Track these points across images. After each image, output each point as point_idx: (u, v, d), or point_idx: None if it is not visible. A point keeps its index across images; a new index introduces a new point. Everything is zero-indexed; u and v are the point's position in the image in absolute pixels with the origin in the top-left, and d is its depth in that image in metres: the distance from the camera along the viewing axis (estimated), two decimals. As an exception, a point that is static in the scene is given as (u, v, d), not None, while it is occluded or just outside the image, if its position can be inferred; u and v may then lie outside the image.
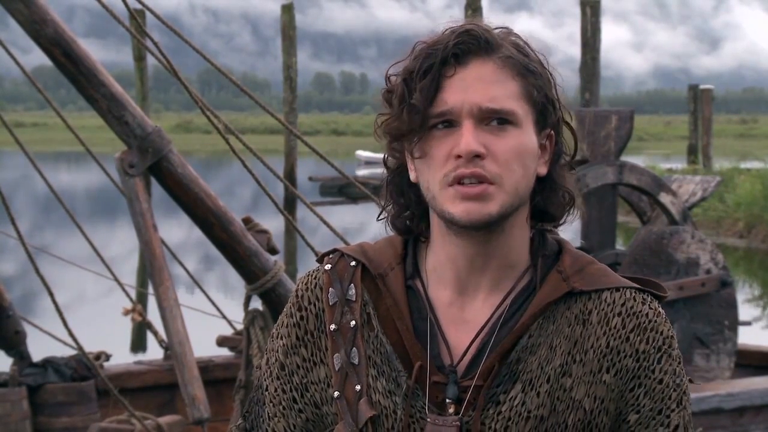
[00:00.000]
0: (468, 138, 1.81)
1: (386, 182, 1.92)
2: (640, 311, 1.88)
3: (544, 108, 1.86)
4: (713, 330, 7.85)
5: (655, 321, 1.89)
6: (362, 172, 37.92)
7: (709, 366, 7.81)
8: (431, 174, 1.85)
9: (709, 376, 7.75)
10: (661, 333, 1.89)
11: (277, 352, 1.95)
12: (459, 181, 1.82)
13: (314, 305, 1.94)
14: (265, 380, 1.97)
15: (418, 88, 1.83)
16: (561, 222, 1.92)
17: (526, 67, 1.85)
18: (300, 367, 1.93)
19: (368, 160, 50.14)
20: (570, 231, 1.95)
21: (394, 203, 1.92)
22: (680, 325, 7.69)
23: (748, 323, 8.53)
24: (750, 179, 24.65)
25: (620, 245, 9.82)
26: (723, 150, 45.90)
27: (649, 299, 1.91)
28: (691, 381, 1.94)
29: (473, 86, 1.82)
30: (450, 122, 1.83)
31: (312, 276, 1.96)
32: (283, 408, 1.94)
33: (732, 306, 7.92)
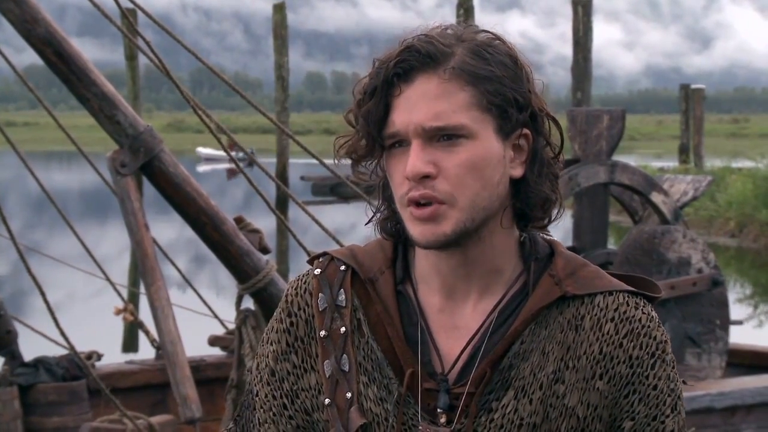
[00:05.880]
0: (413, 160, 1.77)
1: (379, 186, 1.88)
2: (633, 316, 1.86)
3: (504, 111, 1.79)
4: (705, 329, 7.85)
5: (648, 326, 1.86)
6: (202, 168, 37.76)
7: (701, 365, 7.81)
8: (395, 193, 1.83)
9: (700, 375, 7.76)
10: (655, 338, 1.86)
11: (268, 357, 1.92)
12: (413, 202, 1.79)
13: (304, 311, 1.90)
14: (255, 385, 1.94)
15: (363, 112, 1.81)
16: (547, 222, 1.87)
17: (477, 74, 1.78)
18: (290, 374, 1.90)
19: (208, 157, 49.75)
20: (562, 230, 1.94)
21: (385, 207, 1.88)
22: (672, 325, 7.69)
23: (739, 322, 8.53)
24: (741, 178, 24.68)
25: (612, 245, 9.82)
26: (714, 149, 45.93)
27: (642, 303, 1.88)
28: (684, 382, 1.91)
29: (418, 104, 1.78)
30: (402, 142, 1.80)
31: (302, 281, 1.92)
32: (274, 414, 1.91)
33: (723, 305, 7.92)
